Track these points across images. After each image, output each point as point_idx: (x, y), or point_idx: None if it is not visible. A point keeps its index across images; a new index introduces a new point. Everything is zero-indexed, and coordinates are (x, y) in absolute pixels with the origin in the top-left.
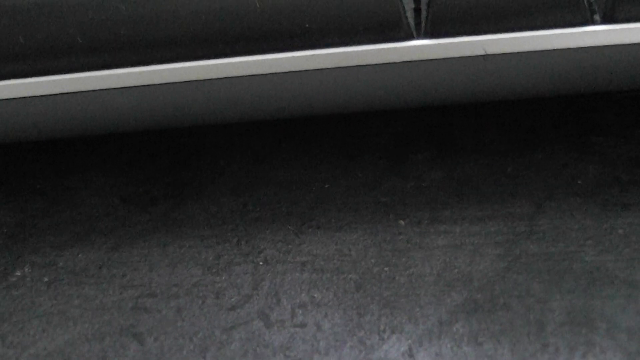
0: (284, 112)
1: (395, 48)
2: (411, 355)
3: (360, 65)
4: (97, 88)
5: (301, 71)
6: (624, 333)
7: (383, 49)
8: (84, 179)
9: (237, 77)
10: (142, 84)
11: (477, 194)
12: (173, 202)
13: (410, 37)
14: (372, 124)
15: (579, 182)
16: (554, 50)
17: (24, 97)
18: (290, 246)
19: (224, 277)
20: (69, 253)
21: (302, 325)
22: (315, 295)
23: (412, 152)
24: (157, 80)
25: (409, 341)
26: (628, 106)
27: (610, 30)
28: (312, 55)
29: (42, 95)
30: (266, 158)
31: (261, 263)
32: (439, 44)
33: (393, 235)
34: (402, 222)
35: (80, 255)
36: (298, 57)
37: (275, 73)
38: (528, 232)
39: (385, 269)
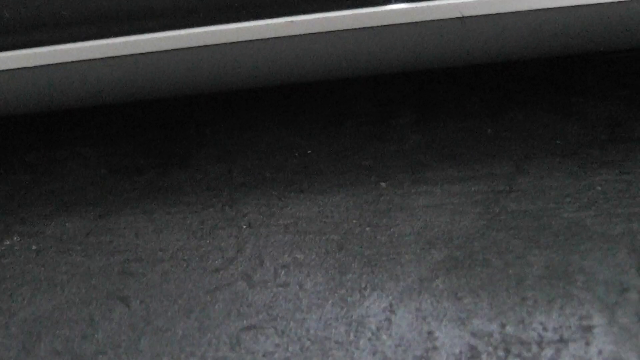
0: (266, 81)
1: (373, 12)
2: (392, 311)
3: (339, 31)
4: (82, 59)
5: (281, 37)
6: (602, 285)
7: (361, 13)
8: (72, 151)
9: (219, 44)
10: (126, 53)
11: (457, 155)
12: (159, 171)
13: (387, 2)
14: (354, 91)
15: (558, 142)
16: (531, 11)
17: (10, 70)
18: (273, 210)
19: (208, 241)
20: (57, 222)
21: (285, 285)
22: (298, 256)
23: (393, 117)
24: (140, 50)
25: (390, 298)
26: (608, 67)
27: None
28: (292, 21)
29: (28, 67)
30: (250, 126)
31: (245, 227)
32: (416, 8)
33: (375, 197)
34: (383, 185)
35: (67, 224)
36: (277, 24)
37: (256, 40)
38: (507, 191)
39: (367, 229)
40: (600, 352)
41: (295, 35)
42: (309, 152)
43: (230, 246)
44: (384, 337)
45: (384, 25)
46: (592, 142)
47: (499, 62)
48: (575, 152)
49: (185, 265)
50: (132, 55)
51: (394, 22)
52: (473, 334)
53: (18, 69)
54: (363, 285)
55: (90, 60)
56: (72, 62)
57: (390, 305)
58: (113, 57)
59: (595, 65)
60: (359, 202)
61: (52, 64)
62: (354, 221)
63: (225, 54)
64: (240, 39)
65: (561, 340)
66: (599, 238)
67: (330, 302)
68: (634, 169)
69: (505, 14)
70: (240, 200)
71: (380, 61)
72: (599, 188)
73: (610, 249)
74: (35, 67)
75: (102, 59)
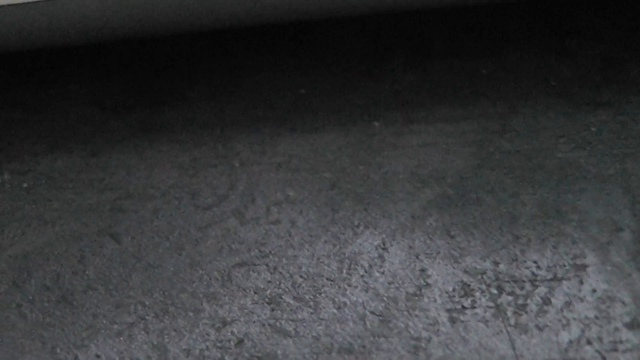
0: (259, 19)
1: None
2: (384, 249)
3: None
4: None
5: None
6: (595, 225)
7: None
8: (63, 90)
9: None
10: None
11: (451, 95)
12: (151, 110)
13: None
14: (348, 32)
15: (553, 83)
16: None
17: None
18: (265, 148)
19: (199, 179)
20: (48, 160)
21: (277, 222)
22: (290, 194)
23: (387, 57)
24: None
25: (383, 235)
26: (602, 9)
27: None
28: None
29: (17, 4)
30: (243, 65)
31: (237, 165)
32: None
33: (368, 136)
34: (376, 124)
35: (59, 162)
36: None
37: None
38: (501, 131)
39: (360, 167)
40: (593, 291)
41: None
42: (302, 91)
43: (222, 184)
44: (377, 274)
45: None
46: (586, 83)
47: (494, 2)
48: (569, 92)
49: (176, 202)
50: None
51: None
52: (466, 272)
53: (7, 5)
54: (356, 223)
55: None
56: None
57: (383, 242)
58: None
59: (589, 7)
60: (352, 141)
61: (40, 0)
62: (347, 159)
63: None
64: None
65: (555, 278)
66: (593, 178)
67: (322, 239)
68: (628, 109)
69: None
70: (233, 138)
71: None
72: (594, 129)
73: (604, 189)
74: (25, 3)
75: None
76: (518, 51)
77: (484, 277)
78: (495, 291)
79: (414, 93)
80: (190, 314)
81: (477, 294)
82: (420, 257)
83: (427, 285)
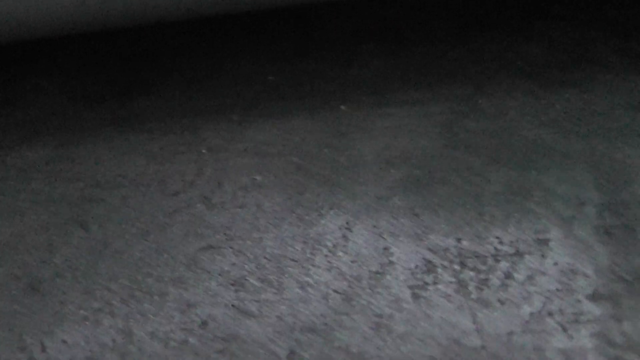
0: (230, 7)
1: None
2: (348, 229)
3: None
4: None
5: None
6: (559, 200)
7: None
8: (33, 83)
9: None
10: None
11: (419, 78)
12: (120, 100)
13: None
14: (319, 20)
15: (519, 63)
16: None
17: None
18: (233, 134)
19: (167, 166)
20: (17, 152)
21: (243, 206)
22: (257, 178)
23: (358, 43)
24: None
25: (347, 215)
26: None
27: None
28: None
29: None
30: (213, 55)
31: (204, 151)
32: None
33: (335, 119)
34: (343, 107)
35: (28, 153)
36: None
37: None
38: (468, 111)
39: (326, 150)
40: (555, 264)
41: None
42: (271, 78)
43: (189, 170)
44: (340, 253)
45: None
46: (553, 63)
47: None
48: (536, 73)
49: (144, 189)
50: None
51: None
52: (429, 249)
53: None
54: (320, 205)
55: None
56: None
57: (347, 222)
58: None
59: None
60: (319, 125)
61: None
62: (313, 143)
63: None
64: None
65: (517, 253)
66: (557, 155)
67: (287, 221)
68: (593, 88)
69: None
70: (201, 126)
71: None
72: (559, 107)
73: (569, 165)
74: None
75: None
76: (487, 34)
77: (447, 253)
78: (457, 267)
79: (383, 78)
80: (156, 297)
81: (440, 270)
82: (384, 236)
83: (391, 263)
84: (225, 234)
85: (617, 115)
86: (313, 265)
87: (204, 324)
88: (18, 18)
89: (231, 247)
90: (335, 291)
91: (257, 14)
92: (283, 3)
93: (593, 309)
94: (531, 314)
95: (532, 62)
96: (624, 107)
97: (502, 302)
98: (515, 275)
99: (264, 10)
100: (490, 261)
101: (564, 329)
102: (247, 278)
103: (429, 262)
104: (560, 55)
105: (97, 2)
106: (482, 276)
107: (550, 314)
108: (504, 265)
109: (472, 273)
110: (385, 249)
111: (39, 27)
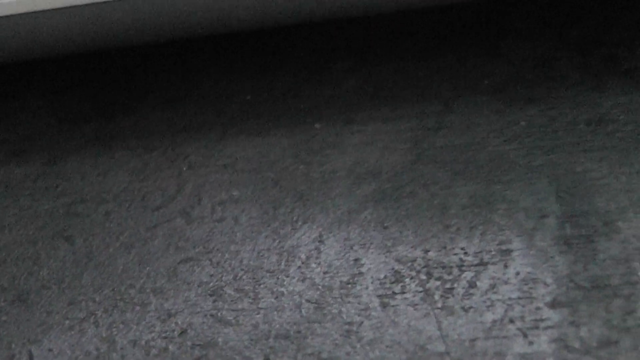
0: (205, 30)
1: None
2: (321, 241)
3: None
4: (24, 11)
5: None
6: (522, 212)
7: None
8: (23, 103)
9: None
10: (69, 5)
11: (390, 96)
12: (105, 120)
13: None
14: (292, 39)
15: (486, 82)
16: None
17: None
18: (213, 151)
19: (150, 182)
20: (6, 169)
21: (221, 220)
22: (235, 193)
23: (330, 62)
24: (80, 2)
25: (320, 229)
26: (535, 11)
27: None
28: None
29: None
30: (193, 75)
31: (185, 168)
32: None
33: (309, 137)
34: (317, 125)
35: (16, 170)
36: None
37: None
38: (436, 128)
39: (301, 166)
40: (517, 274)
41: None
42: (248, 97)
43: (170, 186)
44: (313, 265)
45: None
46: (518, 80)
47: (437, 5)
48: (502, 90)
49: (127, 205)
50: (74, 7)
51: None
52: (397, 260)
53: None
54: (295, 218)
55: (34, 12)
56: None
57: (320, 235)
58: (54, 9)
59: (523, 9)
60: (294, 142)
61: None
62: (289, 160)
63: (165, 4)
64: None
65: (481, 263)
66: (521, 169)
67: (263, 234)
68: (557, 104)
69: None
70: (182, 143)
71: (309, 8)
72: (523, 123)
73: (532, 179)
74: None
75: (43, 11)
76: (455, 53)
77: (414, 264)
78: (424, 277)
79: (355, 96)
80: (138, 307)
81: (407, 280)
82: (354, 247)
83: (361, 273)
84: (204, 246)
85: (579, 130)
86: (287, 276)
87: (183, 332)
88: (6, 41)
89: (209, 260)
90: (308, 300)
91: (231, 35)
92: (253, 25)
93: (552, 316)
94: (493, 321)
95: (498, 80)
96: (585, 122)
97: (466, 310)
98: (479, 284)
99: (238, 32)
100: (455, 271)
101: (525, 335)
102: (225, 288)
103: (397, 272)
104: (524, 74)
105: (83, 26)
106: (448, 285)
107: (511, 320)
108: (468, 274)
109: (437, 282)
110: (356, 260)
111: (28, 49)
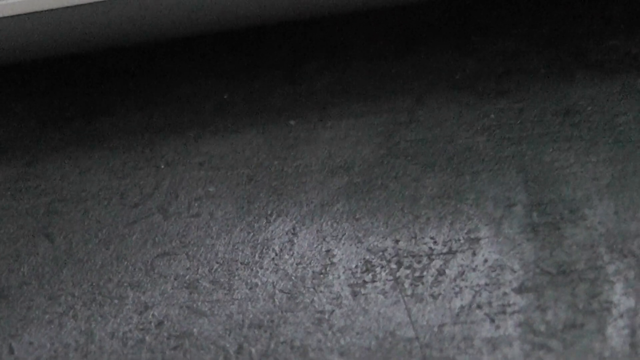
0: (181, 31)
1: None
2: (294, 234)
3: None
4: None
5: None
6: (490, 201)
7: None
8: (3, 107)
9: None
10: (49, 8)
11: (362, 93)
12: (85, 121)
13: None
14: (268, 39)
15: (457, 76)
16: None
17: None
18: (189, 149)
19: (128, 181)
20: None
21: (197, 215)
22: (210, 190)
23: (305, 62)
24: (62, 4)
25: (293, 222)
26: (506, 6)
27: None
28: None
29: None
30: (171, 76)
31: (162, 166)
32: None
33: (284, 133)
34: (292, 122)
35: None
36: None
37: None
38: (407, 122)
39: (275, 162)
40: (485, 261)
41: None
42: (225, 96)
43: (148, 184)
44: (286, 256)
45: None
46: (488, 75)
47: (403, 5)
48: (472, 84)
49: (106, 202)
50: (55, 9)
51: None
52: (368, 250)
53: None
54: (269, 212)
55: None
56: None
57: (293, 228)
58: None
59: (493, 5)
60: (269, 139)
61: None
62: (264, 156)
63: (140, 5)
64: None
65: (450, 251)
66: (490, 160)
67: (238, 228)
68: (526, 97)
69: None
70: (159, 142)
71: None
72: (493, 116)
73: (500, 169)
74: None
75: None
76: (427, 49)
77: (385, 254)
78: (394, 266)
79: (329, 93)
80: (116, 301)
81: (378, 269)
82: (326, 239)
83: (332, 264)
84: (180, 241)
85: (547, 122)
86: (261, 268)
87: (159, 323)
88: None
89: (186, 253)
90: (281, 291)
91: (207, 37)
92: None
93: (519, 301)
94: (461, 307)
95: (469, 75)
96: (553, 114)
97: (434, 297)
98: (448, 272)
99: (214, 33)
100: (424, 260)
101: (492, 320)
102: (200, 281)
103: (368, 262)
104: (494, 68)
105: (61, 30)
106: (417, 274)
107: (479, 306)
108: (437, 263)
109: (407, 271)
110: (328, 251)
111: (10, 53)
